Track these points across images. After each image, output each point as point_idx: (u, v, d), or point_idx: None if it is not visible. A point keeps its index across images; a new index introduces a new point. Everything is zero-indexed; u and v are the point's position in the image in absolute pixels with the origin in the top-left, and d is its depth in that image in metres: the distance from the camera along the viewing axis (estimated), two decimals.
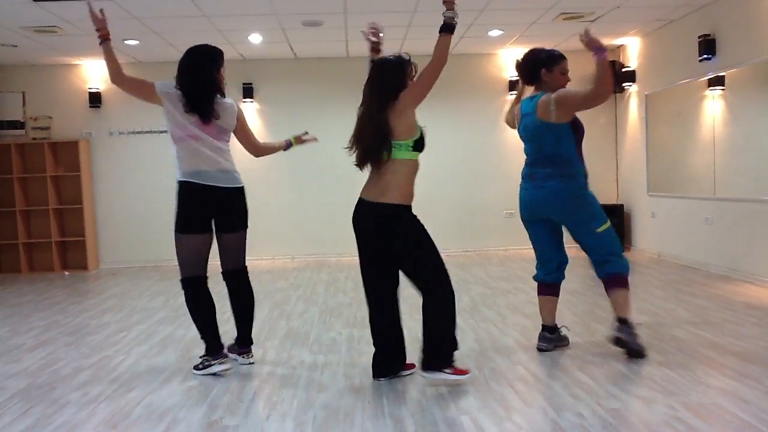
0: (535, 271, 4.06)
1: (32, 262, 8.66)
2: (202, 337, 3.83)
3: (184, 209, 3.71)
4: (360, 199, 3.47)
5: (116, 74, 3.65)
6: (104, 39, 3.62)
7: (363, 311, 3.75)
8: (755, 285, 5.84)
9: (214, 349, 3.80)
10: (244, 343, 3.99)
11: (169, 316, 5.40)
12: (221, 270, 3.91)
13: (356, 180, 3.59)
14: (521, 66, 3.94)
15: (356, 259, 3.59)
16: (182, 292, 3.80)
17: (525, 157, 3.96)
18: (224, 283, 3.93)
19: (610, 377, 3.45)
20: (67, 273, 8.42)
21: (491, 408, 3.07)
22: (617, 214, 8.44)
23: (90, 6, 3.61)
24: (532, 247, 4.04)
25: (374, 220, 3.41)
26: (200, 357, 3.87)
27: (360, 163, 3.44)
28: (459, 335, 3.51)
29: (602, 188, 8.67)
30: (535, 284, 4.07)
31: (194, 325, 3.82)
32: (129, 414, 3.17)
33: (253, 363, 3.95)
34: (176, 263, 3.76)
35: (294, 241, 8.86)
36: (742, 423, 2.79)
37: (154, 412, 3.18)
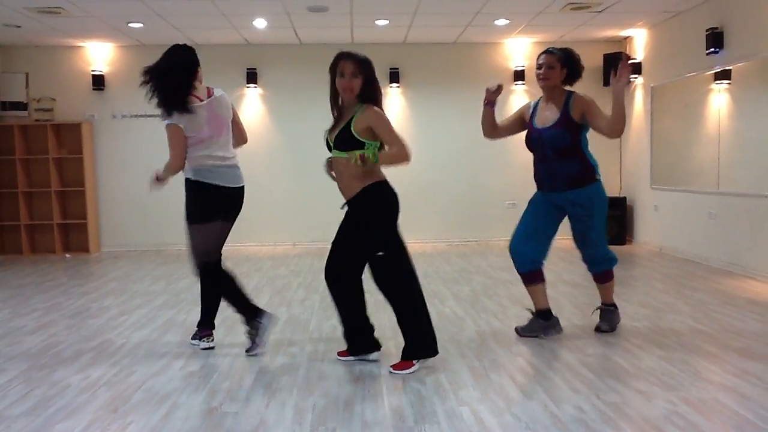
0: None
1: (34, 244, 8.66)
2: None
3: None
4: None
5: (180, 164, 3.73)
6: (159, 182, 3.79)
7: None
8: (757, 280, 5.83)
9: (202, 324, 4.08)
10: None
11: (171, 301, 5.41)
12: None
13: None
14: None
15: None
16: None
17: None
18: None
19: (610, 371, 3.45)
20: (68, 255, 8.43)
21: (491, 399, 3.08)
22: (620, 207, 8.43)
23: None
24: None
25: None
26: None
27: None
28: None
29: (605, 180, 8.42)
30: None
31: (197, 308, 3.87)
32: (129, 398, 3.18)
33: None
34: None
35: (295, 227, 8.82)
36: (742, 419, 2.79)
37: (154, 397, 3.19)
